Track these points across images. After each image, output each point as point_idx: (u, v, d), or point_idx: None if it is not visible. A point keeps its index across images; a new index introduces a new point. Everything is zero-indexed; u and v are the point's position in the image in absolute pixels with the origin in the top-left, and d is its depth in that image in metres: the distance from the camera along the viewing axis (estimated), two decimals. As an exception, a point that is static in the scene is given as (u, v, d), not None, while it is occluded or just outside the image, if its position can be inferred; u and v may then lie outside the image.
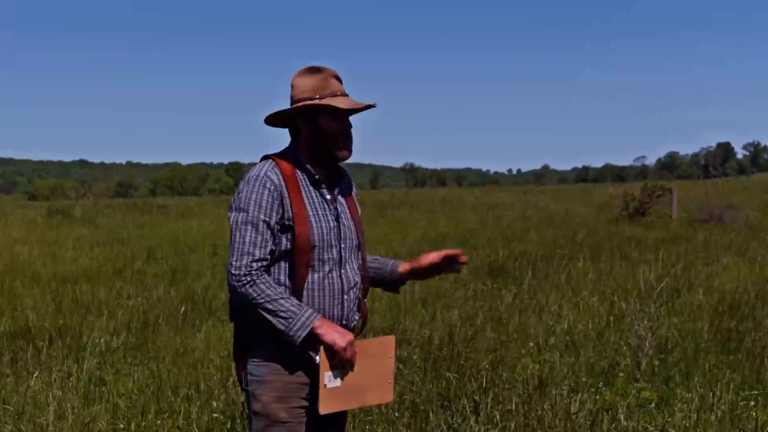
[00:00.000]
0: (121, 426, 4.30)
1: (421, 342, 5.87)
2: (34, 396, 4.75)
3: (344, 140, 2.58)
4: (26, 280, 9.69)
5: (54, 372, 5.33)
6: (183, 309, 7.32)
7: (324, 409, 2.45)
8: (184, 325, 6.86)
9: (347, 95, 2.59)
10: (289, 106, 2.60)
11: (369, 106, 2.62)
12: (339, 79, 2.61)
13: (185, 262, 11.45)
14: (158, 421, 4.34)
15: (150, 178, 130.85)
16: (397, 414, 4.28)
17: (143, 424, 4.30)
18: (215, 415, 4.39)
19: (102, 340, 6.38)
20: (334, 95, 2.55)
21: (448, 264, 2.78)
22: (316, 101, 2.54)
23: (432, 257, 2.76)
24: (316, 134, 2.57)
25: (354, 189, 2.80)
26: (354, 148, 2.65)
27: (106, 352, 6.01)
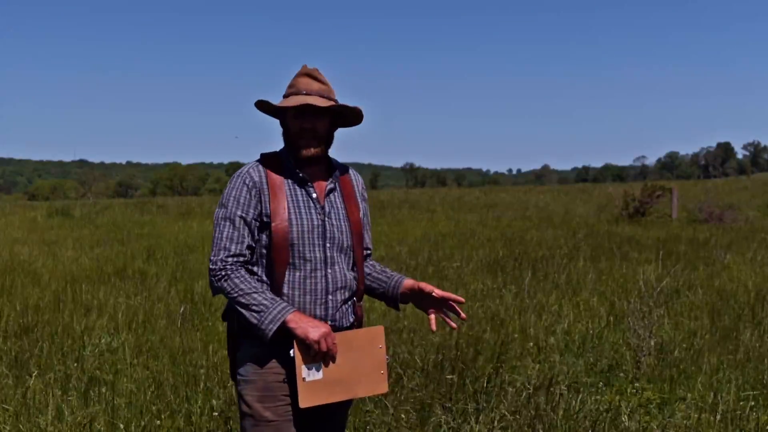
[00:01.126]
0: (121, 426, 4.30)
1: (421, 343, 5.86)
2: (34, 396, 4.74)
3: (303, 139, 2.55)
4: (26, 279, 9.68)
5: (54, 372, 5.32)
6: (183, 309, 7.32)
7: (304, 402, 2.42)
8: (184, 325, 6.85)
9: (316, 94, 2.54)
10: None
11: (307, 104, 2.50)
12: (314, 78, 2.58)
13: (185, 262, 11.45)
14: (158, 421, 4.34)
15: (150, 178, 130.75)
16: (398, 414, 4.28)
17: (143, 424, 4.30)
18: (215, 414, 4.38)
19: (102, 340, 6.38)
20: (297, 93, 2.55)
21: (445, 309, 2.70)
22: (280, 103, 2.56)
23: (436, 291, 2.66)
24: (286, 132, 2.61)
25: (358, 188, 2.75)
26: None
27: (106, 352, 6.01)
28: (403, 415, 4.27)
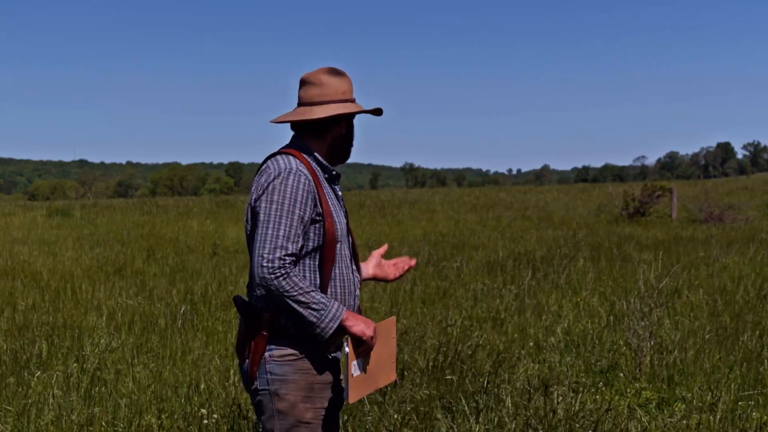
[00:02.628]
0: (121, 426, 4.30)
1: (421, 343, 5.86)
2: (35, 396, 4.75)
3: (352, 144, 2.72)
4: (26, 279, 9.69)
5: (54, 372, 5.33)
6: (183, 309, 7.32)
7: (354, 397, 2.51)
8: (184, 325, 6.86)
9: None
10: (317, 103, 2.59)
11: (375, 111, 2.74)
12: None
13: (185, 262, 11.45)
14: (158, 421, 4.34)
15: (150, 178, 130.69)
16: (398, 415, 4.28)
17: (143, 423, 4.30)
18: (215, 417, 4.38)
19: (102, 340, 6.38)
20: (353, 99, 2.67)
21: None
22: (352, 105, 2.63)
23: (389, 274, 2.94)
24: (348, 135, 2.68)
25: None
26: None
27: (106, 352, 6.01)
28: (398, 415, 4.27)
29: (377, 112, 2.69)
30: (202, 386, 4.93)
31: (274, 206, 2.45)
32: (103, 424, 4.32)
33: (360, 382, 2.53)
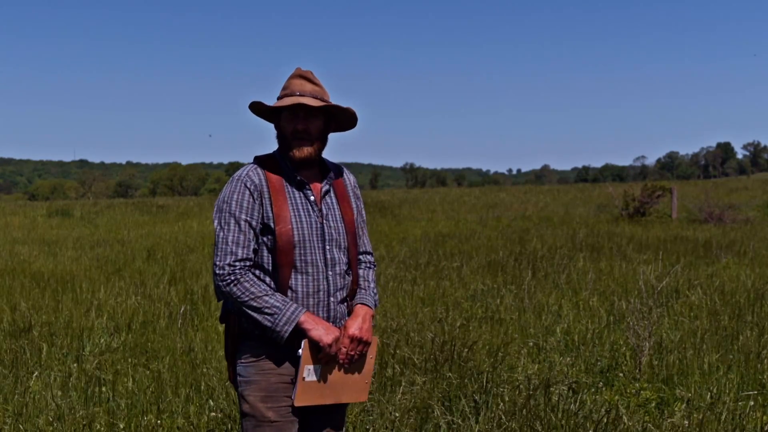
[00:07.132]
0: (121, 426, 4.30)
1: (421, 342, 5.86)
2: (34, 396, 4.74)
3: (296, 140, 2.55)
4: (26, 279, 9.68)
5: (54, 372, 5.33)
6: (183, 309, 7.32)
7: (299, 401, 2.47)
8: (184, 325, 6.86)
9: (309, 95, 2.54)
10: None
11: (300, 105, 2.52)
12: (308, 79, 2.58)
13: (185, 262, 11.45)
14: (158, 421, 4.34)
15: (150, 178, 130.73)
16: (397, 414, 4.28)
17: (143, 424, 4.30)
18: (214, 414, 4.38)
19: (102, 340, 6.38)
20: (290, 95, 2.54)
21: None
22: (274, 103, 2.57)
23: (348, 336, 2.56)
24: (280, 135, 2.61)
25: (350, 187, 2.75)
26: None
27: (106, 352, 6.01)
28: (398, 414, 4.27)
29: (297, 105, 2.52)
30: (203, 386, 4.93)
31: (223, 214, 2.51)
32: (103, 423, 4.32)
33: (314, 388, 2.48)
